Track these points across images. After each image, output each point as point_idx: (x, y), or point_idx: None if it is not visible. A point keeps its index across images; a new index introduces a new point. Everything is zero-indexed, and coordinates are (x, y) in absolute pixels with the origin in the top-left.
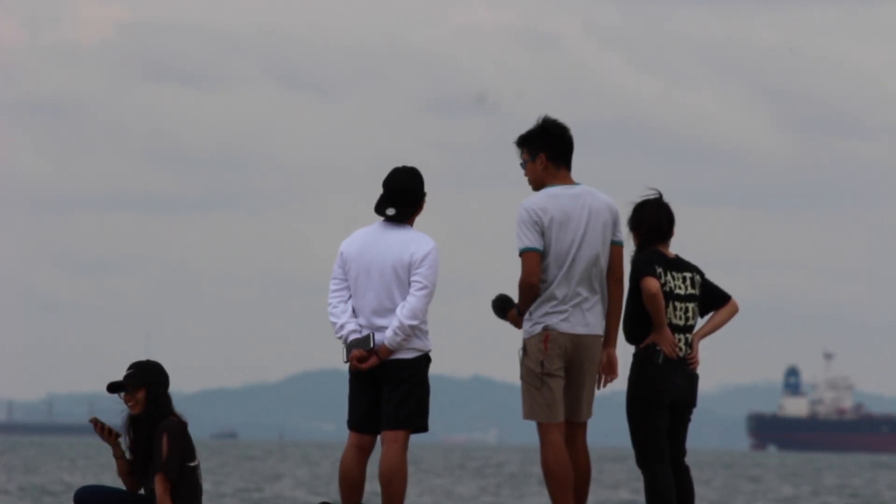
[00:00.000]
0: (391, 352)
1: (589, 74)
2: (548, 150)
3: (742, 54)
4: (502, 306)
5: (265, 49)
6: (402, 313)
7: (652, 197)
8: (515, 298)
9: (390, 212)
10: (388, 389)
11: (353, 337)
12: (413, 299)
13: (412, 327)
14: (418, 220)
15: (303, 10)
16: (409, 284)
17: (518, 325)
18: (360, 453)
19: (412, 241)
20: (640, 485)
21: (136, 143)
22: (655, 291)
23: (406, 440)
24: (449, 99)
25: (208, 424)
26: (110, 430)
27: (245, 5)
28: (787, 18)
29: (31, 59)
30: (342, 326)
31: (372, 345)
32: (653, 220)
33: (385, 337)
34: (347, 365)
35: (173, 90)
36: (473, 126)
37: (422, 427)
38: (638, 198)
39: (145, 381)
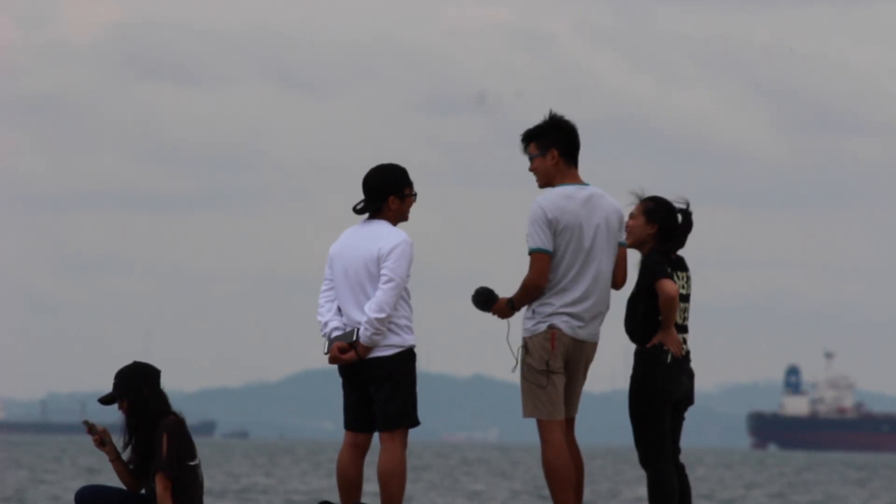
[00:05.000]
0: (369, 349)
1: (583, 73)
2: (560, 145)
3: (738, 53)
4: (485, 300)
5: (259, 47)
6: (370, 307)
7: (688, 208)
8: (503, 293)
9: (358, 205)
10: (373, 389)
11: (335, 334)
12: (379, 293)
13: (380, 320)
14: (414, 216)
15: (296, 7)
16: None
17: (503, 316)
18: (356, 451)
19: (382, 236)
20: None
21: (132, 141)
22: (675, 294)
23: (403, 438)
24: (443, 97)
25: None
26: (101, 439)
27: (239, 3)
28: (782, 17)
29: (26, 58)
30: (325, 324)
31: (355, 338)
32: (682, 233)
33: (360, 334)
34: (327, 357)
35: (168, 88)
36: (469, 124)
37: (413, 422)
38: (673, 201)
39: (127, 390)
